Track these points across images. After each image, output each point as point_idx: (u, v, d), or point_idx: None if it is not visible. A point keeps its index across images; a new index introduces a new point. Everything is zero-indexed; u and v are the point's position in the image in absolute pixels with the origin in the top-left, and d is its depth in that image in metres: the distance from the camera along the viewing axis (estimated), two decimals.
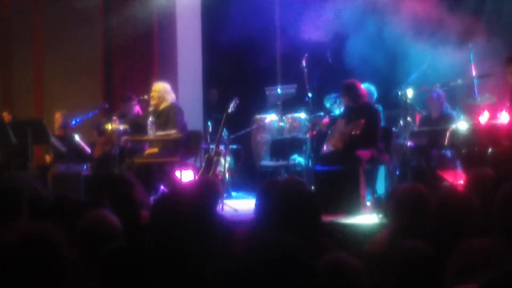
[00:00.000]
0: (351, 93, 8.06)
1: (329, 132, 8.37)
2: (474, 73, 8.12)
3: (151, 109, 8.61)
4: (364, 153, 7.75)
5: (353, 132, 7.70)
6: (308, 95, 8.79)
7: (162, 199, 2.82)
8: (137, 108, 9.45)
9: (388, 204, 4.49)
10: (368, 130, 7.76)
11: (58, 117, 9.99)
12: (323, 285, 1.81)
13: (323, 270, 2.49)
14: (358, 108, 8.03)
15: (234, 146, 10.42)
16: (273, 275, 1.77)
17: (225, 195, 8.50)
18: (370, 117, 7.90)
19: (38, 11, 11.44)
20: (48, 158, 9.94)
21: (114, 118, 8.88)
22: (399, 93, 8.31)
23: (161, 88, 8.63)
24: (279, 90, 10.35)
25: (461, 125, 7.62)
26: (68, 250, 2.36)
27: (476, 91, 8.09)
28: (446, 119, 8.37)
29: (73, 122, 9.42)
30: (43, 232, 2.29)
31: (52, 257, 2.27)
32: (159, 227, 2.58)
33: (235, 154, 10.59)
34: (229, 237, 3.81)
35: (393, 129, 8.54)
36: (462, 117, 8.55)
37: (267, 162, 9.78)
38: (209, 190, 4.35)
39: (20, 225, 2.39)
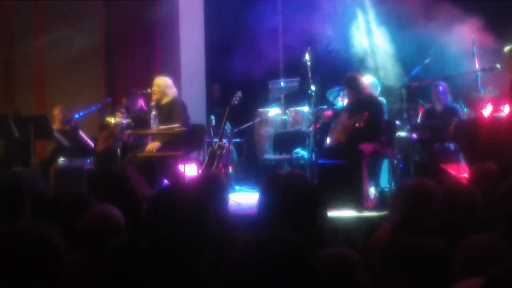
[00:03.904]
0: (354, 86, 8.05)
1: (332, 125, 8.37)
2: (477, 66, 8.10)
3: (153, 103, 8.61)
4: (367, 147, 7.74)
5: (356, 125, 7.69)
6: (311, 88, 8.78)
7: (159, 194, 2.82)
8: (141, 102, 9.45)
9: (392, 198, 4.48)
10: (372, 123, 7.75)
11: (57, 113, 9.99)
12: (322, 280, 1.81)
13: (322, 264, 2.49)
14: (362, 101, 8.02)
15: (237, 140, 10.42)
16: (272, 271, 1.77)
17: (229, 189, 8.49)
18: (374, 110, 7.88)
19: (39, 6, 11.43)
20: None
21: (123, 110, 8.88)
22: (402, 86, 8.30)
23: (162, 82, 8.61)
24: (282, 84, 10.34)
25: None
26: (63, 251, 2.34)
27: (479, 84, 8.07)
28: (449, 112, 8.35)
29: (76, 116, 9.42)
30: (40, 231, 2.27)
31: (48, 257, 2.25)
32: (154, 222, 2.59)
33: (238, 148, 10.59)
34: (231, 231, 3.81)
35: (396, 122, 8.53)
36: (465, 110, 8.54)
37: (270, 156, 9.78)
38: (212, 185, 4.35)
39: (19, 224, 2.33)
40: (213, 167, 8.65)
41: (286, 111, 9.91)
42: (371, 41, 9.71)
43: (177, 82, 9.42)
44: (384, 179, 8.26)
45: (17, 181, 4.65)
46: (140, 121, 8.73)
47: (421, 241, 2.60)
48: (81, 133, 9.79)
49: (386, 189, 7.99)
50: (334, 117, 8.37)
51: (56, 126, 9.84)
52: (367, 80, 8.51)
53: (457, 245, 2.96)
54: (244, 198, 8.36)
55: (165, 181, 8.33)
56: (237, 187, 9.76)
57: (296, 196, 3.21)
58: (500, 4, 9.19)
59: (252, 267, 1.78)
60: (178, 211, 2.53)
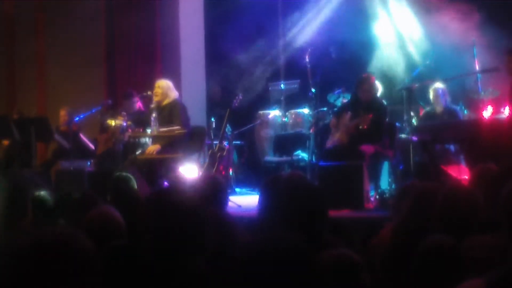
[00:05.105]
0: (369, 86, 8.01)
1: None
2: (477, 67, 8.09)
3: (153, 105, 8.62)
4: (368, 148, 7.74)
5: (360, 127, 7.69)
6: (311, 90, 8.78)
7: (154, 195, 2.82)
8: (138, 104, 9.46)
9: (393, 200, 4.49)
10: (375, 125, 7.76)
11: (63, 113, 10.00)
12: (323, 281, 1.81)
13: (323, 266, 2.49)
14: (367, 102, 8.01)
15: (238, 142, 10.42)
16: (273, 272, 1.77)
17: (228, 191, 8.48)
18: (379, 112, 7.89)
19: (41, 8, 11.44)
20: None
21: (124, 113, 8.90)
22: (403, 88, 8.30)
23: (165, 85, 8.65)
24: (282, 86, 10.34)
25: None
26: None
27: (479, 85, 8.07)
28: (449, 113, 8.35)
29: (77, 118, 9.42)
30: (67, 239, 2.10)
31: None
32: (150, 222, 2.59)
33: (239, 150, 10.59)
34: (231, 233, 3.81)
35: (396, 124, 8.52)
36: (465, 112, 8.54)
37: (270, 158, 9.78)
38: (211, 187, 4.34)
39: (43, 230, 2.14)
40: (214, 169, 8.64)
41: (287, 113, 9.92)
42: (371, 42, 9.71)
43: (177, 83, 9.43)
44: (385, 181, 8.26)
45: (20, 183, 4.66)
46: (139, 122, 8.74)
47: (431, 239, 2.60)
48: (82, 136, 9.79)
49: (387, 191, 7.99)
50: (337, 120, 8.34)
51: (60, 127, 9.86)
52: None
53: (461, 245, 2.96)
54: (244, 200, 8.36)
55: (166, 183, 8.32)
56: (237, 189, 9.76)
57: (296, 198, 3.21)
58: (500, 4, 9.19)
59: (253, 268, 1.78)
60: (174, 211, 2.53)
